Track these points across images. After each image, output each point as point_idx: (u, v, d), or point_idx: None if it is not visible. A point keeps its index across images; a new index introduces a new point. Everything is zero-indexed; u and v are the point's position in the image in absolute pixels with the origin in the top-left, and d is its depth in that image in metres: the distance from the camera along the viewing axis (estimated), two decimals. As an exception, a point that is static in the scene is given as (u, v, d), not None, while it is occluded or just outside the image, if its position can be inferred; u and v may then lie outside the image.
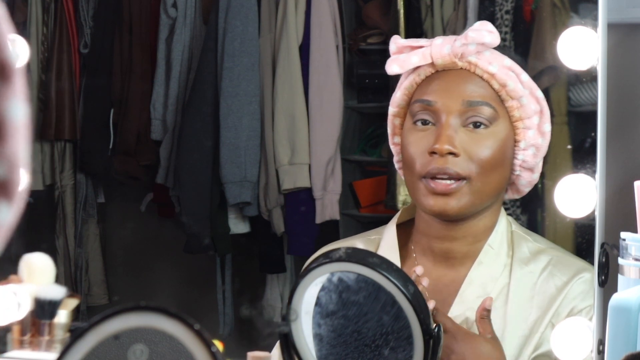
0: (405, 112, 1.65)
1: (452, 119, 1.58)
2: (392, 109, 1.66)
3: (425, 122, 1.60)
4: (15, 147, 0.61)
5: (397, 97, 1.65)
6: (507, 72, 1.59)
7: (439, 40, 1.60)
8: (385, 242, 1.67)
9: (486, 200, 1.60)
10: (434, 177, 1.57)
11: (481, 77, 1.59)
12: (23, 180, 0.62)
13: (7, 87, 0.61)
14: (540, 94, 1.61)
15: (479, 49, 1.59)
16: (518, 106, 1.59)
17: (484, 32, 1.58)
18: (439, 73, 1.61)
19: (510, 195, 1.67)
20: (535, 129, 1.60)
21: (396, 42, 1.63)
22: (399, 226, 1.69)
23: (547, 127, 1.62)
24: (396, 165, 1.69)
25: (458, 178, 1.57)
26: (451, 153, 1.56)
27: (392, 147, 1.69)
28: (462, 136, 1.58)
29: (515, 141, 1.60)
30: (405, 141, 1.62)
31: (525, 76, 1.60)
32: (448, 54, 1.59)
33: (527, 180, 1.64)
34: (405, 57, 1.61)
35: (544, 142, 1.62)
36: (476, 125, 1.58)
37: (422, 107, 1.60)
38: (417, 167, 1.59)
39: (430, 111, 1.60)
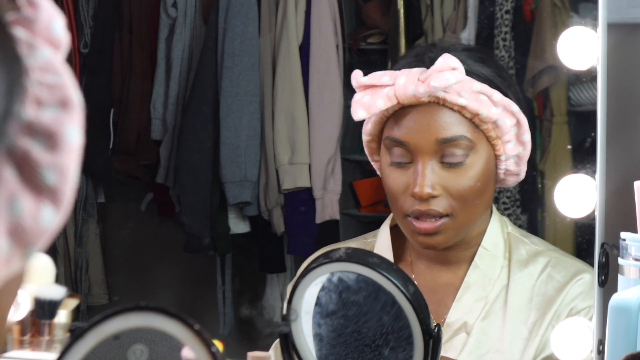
0: (379, 139, 1.63)
1: (428, 159, 1.56)
2: (365, 137, 1.64)
3: (400, 164, 1.58)
4: (68, 162, 0.69)
5: (369, 128, 1.62)
6: (477, 97, 1.55)
7: (401, 80, 1.55)
8: (379, 244, 1.67)
9: (473, 225, 1.60)
10: (417, 217, 1.57)
11: (451, 109, 1.56)
12: (71, 195, 0.69)
13: (67, 116, 0.69)
14: (515, 108, 1.57)
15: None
16: (494, 127, 1.56)
17: (447, 75, 1.52)
18: (408, 108, 1.57)
19: (498, 185, 1.67)
20: (514, 140, 1.58)
21: (357, 80, 1.58)
22: (394, 228, 1.69)
23: (527, 137, 1.59)
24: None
25: (441, 216, 1.56)
26: (432, 196, 1.55)
27: (373, 164, 1.68)
28: (440, 174, 1.56)
29: (496, 155, 1.59)
30: (384, 175, 1.61)
31: (497, 95, 1.56)
32: (412, 95, 1.54)
33: (513, 181, 1.63)
34: (371, 102, 1.56)
35: (525, 151, 1.60)
36: (452, 165, 1.56)
37: (395, 145, 1.58)
38: (400, 205, 1.58)
39: (404, 150, 1.57)
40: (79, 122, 0.69)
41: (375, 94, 1.56)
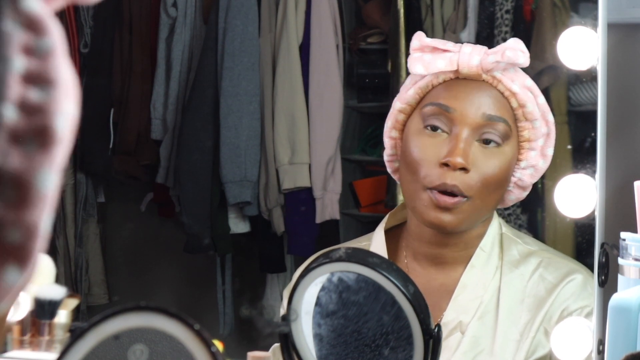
0: (412, 110, 1.61)
1: (468, 132, 1.55)
2: (399, 105, 1.62)
3: (435, 128, 1.57)
4: (36, 216, 0.60)
5: (410, 94, 1.60)
6: (527, 92, 1.57)
7: (467, 49, 1.56)
8: (374, 247, 1.66)
9: (482, 216, 1.60)
10: (441, 191, 1.55)
11: (502, 94, 1.57)
12: (39, 249, 0.61)
13: (43, 155, 0.59)
14: (551, 118, 1.59)
15: (507, 66, 1.56)
16: (530, 127, 1.57)
17: (519, 54, 1.55)
18: (459, 80, 1.58)
19: None
20: (538, 150, 1.59)
21: (420, 39, 1.58)
22: (388, 231, 1.68)
23: (550, 150, 1.60)
24: (385, 158, 1.66)
25: (462, 195, 1.55)
26: (463, 168, 1.54)
27: (386, 139, 1.65)
28: (474, 151, 1.55)
29: (517, 160, 1.59)
30: (410, 143, 1.58)
31: (541, 99, 1.58)
32: (476, 66, 1.55)
33: (516, 196, 1.63)
34: (431, 60, 1.56)
35: (544, 165, 1.60)
36: (487, 142, 1.56)
37: (438, 112, 1.56)
38: (422, 176, 1.55)
39: (446, 118, 1.56)
40: (58, 160, 0.60)
41: (438, 55, 1.57)
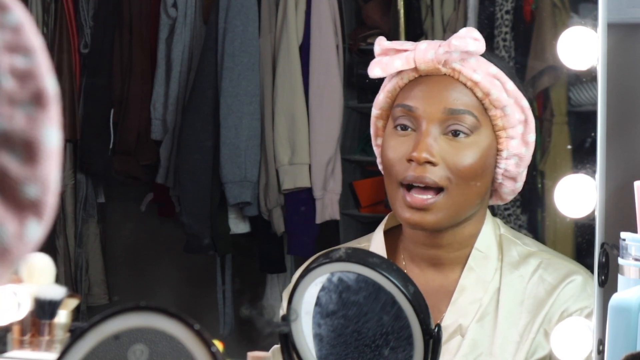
0: (388, 115, 1.63)
1: (433, 127, 1.56)
2: (375, 111, 1.65)
3: (404, 128, 1.58)
4: (48, 171, 0.65)
5: (380, 99, 1.64)
6: (491, 80, 1.57)
7: (423, 45, 1.58)
8: (373, 248, 1.66)
9: (465, 211, 1.59)
10: (410, 188, 1.56)
11: (465, 85, 1.57)
12: (53, 203, 0.66)
13: (43, 114, 0.65)
14: (525, 103, 1.59)
15: (463, 56, 1.56)
16: (501, 115, 1.57)
17: (469, 40, 1.55)
18: (422, 78, 1.59)
19: (494, 202, 1.66)
20: (519, 138, 1.58)
21: (380, 44, 1.61)
22: (387, 232, 1.68)
23: (532, 137, 1.59)
24: (379, 167, 1.68)
25: (435, 187, 1.55)
26: (429, 162, 1.55)
27: (375, 148, 1.67)
28: (441, 144, 1.56)
29: (498, 150, 1.58)
30: (385, 145, 1.61)
31: (510, 85, 1.58)
32: (431, 60, 1.56)
33: (509, 188, 1.63)
34: (388, 61, 1.59)
35: (527, 152, 1.60)
36: (456, 133, 1.56)
37: (403, 112, 1.58)
38: (395, 172, 1.57)
39: (411, 117, 1.58)
40: (56, 117, 0.66)
41: (395, 56, 1.59)
